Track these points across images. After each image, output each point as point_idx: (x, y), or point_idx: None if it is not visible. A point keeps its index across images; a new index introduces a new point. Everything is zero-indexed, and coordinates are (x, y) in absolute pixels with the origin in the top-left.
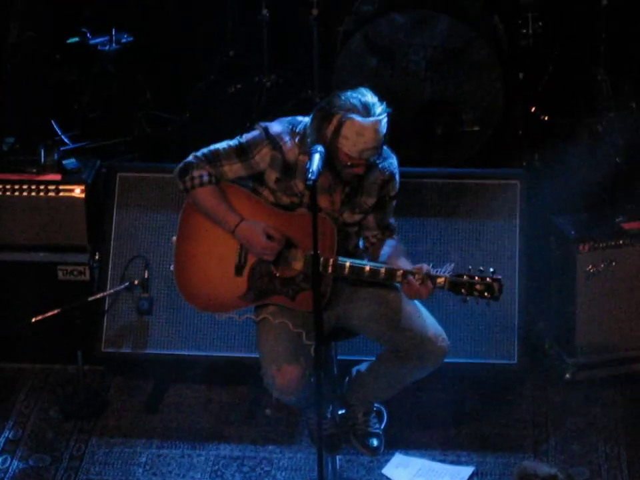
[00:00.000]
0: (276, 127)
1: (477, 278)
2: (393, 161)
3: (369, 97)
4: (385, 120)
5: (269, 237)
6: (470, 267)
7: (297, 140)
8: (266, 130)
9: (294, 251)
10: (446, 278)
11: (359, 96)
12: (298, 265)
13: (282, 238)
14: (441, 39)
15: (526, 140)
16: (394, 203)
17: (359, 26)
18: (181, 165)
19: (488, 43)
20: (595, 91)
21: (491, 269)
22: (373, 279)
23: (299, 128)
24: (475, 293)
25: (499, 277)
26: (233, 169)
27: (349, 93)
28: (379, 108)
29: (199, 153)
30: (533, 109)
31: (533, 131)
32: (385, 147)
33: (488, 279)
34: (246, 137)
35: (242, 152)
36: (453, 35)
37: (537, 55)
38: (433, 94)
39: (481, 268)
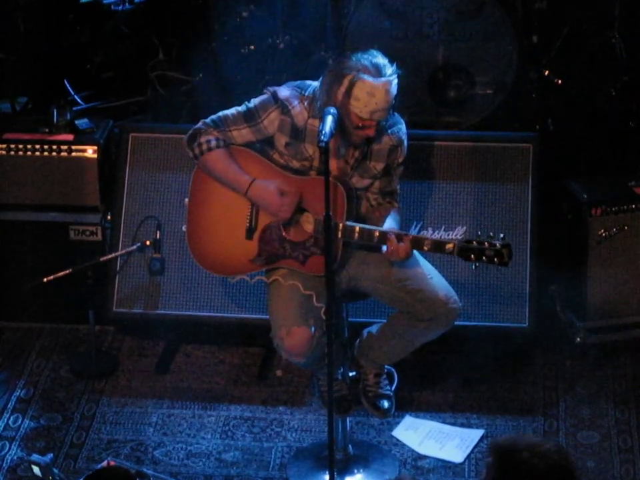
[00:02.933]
0: (284, 91)
1: (486, 244)
2: (401, 127)
3: (380, 58)
4: (396, 81)
5: (283, 193)
6: (479, 233)
7: (306, 104)
8: (274, 94)
9: (304, 215)
10: (455, 244)
11: (370, 57)
12: (308, 229)
13: (296, 193)
14: (454, 1)
15: (539, 103)
16: (401, 169)
17: None
18: (190, 132)
19: (501, 6)
20: (608, 54)
21: (501, 235)
22: (381, 242)
23: (308, 92)
24: (484, 259)
25: (508, 242)
26: (242, 134)
27: (359, 54)
28: (390, 69)
29: (207, 120)
30: (547, 73)
31: (546, 95)
32: (394, 113)
33: (497, 245)
34: (254, 101)
35: (250, 116)
36: None
37: (551, 18)
38: (446, 57)
39: (491, 234)
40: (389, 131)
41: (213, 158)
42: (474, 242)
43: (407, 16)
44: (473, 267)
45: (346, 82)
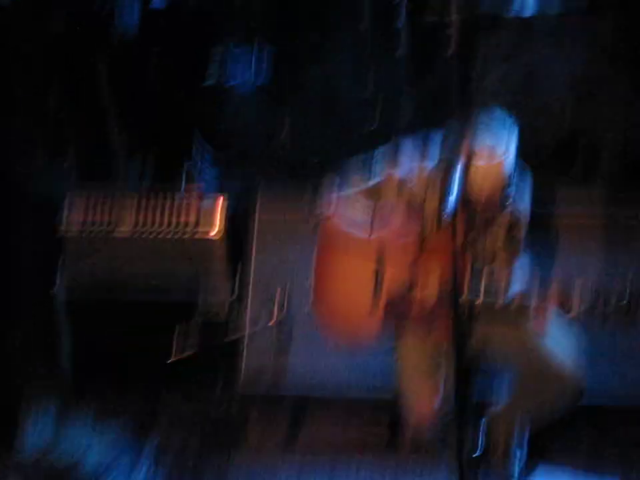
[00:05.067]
0: (404, 166)
1: (613, 300)
2: (525, 192)
3: (497, 131)
4: (510, 158)
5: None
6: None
7: (431, 174)
8: (392, 173)
9: (430, 284)
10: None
11: (486, 131)
12: (434, 298)
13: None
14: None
15: None
16: (525, 237)
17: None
18: (313, 197)
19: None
20: None
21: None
22: (505, 312)
23: (434, 161)
24: (614, 313)
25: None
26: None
27: (477, 128)
28: (502, 147)
29: (328, 181)
30: None
31: None
32: (519, 172)
33: (624, 300)
34: (375, 179)
35: (372, 188)
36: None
37: None
38: (574, 123)
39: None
40: (515, 198)
41: (336, 221)
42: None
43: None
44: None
45: (460, 168)
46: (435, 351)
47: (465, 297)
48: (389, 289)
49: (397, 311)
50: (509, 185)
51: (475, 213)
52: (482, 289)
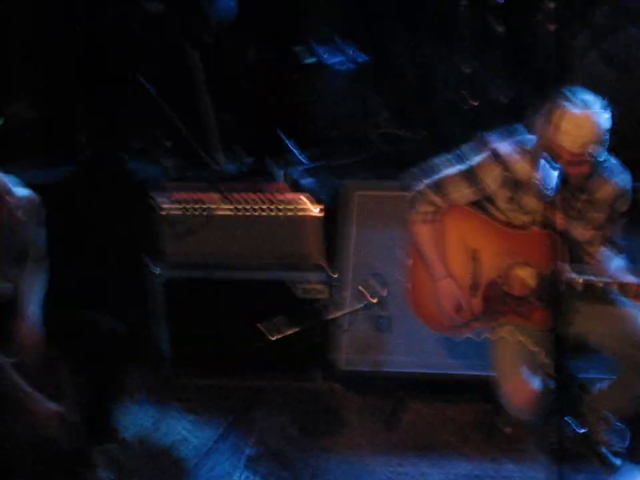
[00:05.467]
0: (505, 147)
1: None
2: (625, 176)
3: (587, 94)
4: (606, 115)
5: (458, 309)
6: None
7: (528, 157)
8: (495, 151)
9: (527, 269)
10: None
11: (576, 93)
12: (531, 284)
13: (468, 318)
14: None
15: None
16: (623, 219)
17: (595, 41)
18: (411, 193)
19: None
20: None
21: None
22: (605, 294)
23: (530, 145)
24: None
25: None
26: (463, 195)
27: (566, 92)
28: (597, 103)
29: (428, 181)
30: None
31: None
32: (617, 162)
33: None
34: (474, 160)
35: (470, 177)
36: None
37: None
38: None
39: None
40: (612, 180)
41: (422, 233)
42: None
43: (631, 67)
44: None
45: (554, 118)
46: (533, 336)
47: (565, 277)
48: (487, 275)
49: (496, 299)
50: (603, 140)
51: (569, 174)
52: (579, 277)
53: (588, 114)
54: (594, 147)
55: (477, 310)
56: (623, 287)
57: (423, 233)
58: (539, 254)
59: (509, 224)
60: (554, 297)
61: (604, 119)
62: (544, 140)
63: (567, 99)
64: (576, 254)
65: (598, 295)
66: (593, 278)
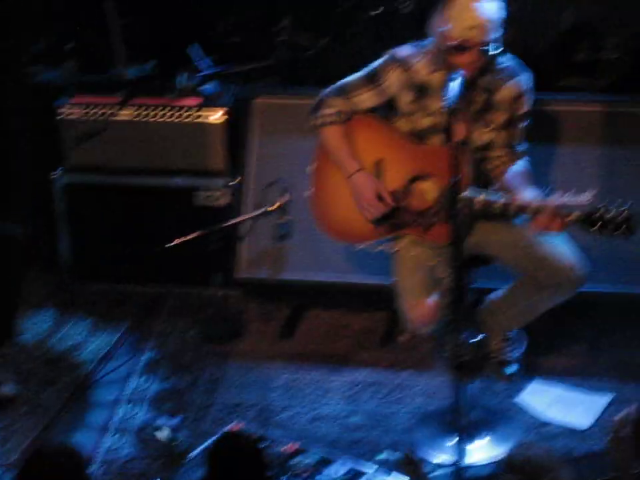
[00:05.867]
0: (405, 49)
1: (611, 214)
2: (525, 76)
3: None
4: (496, 3)
5: (380, 198)
6: (605, 201)
7: (427, 58)
8: (394, 53)
9: (429, 183)
10: (578, 214)
11: None
12: (432, 197)
13: (391, 205)
14: None
15: None
16: (525, 122)
17: None
18: (315, 100)
19: None
20: None
21: (629, 202)
22: (505, 212)
23: (429, 46)
24: (611, 227)
25: (635, 210)
26: (365, 98)
27: None
28: None
29: (330, 88)
30: None
31: None
32: (517, 62)
33: (624, 213)
34: (375, 63)
35: (372, 78)
36: None
37: None
38: (576, 18)
39: (619, 200)
40: (511, 80)
41: (330, 133)
42: (598, 212)
43: None
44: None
45: (442, 6)
46: (432, 248)
47: (464, 195)
48: (388, 187)
49: (394, 215)
50: (493, 28)
51: (454, 63)
52: (480, 196)
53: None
54: (481, 33)
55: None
56: (522, 209)
57: (330, 134)
58: (440, 169)
59: (413, 134)
60: (452, 212)
61: (493, 5)
62: (437, 35)
63: None
64: (480, 168)
65: (496, 212)
66: (492, 197)
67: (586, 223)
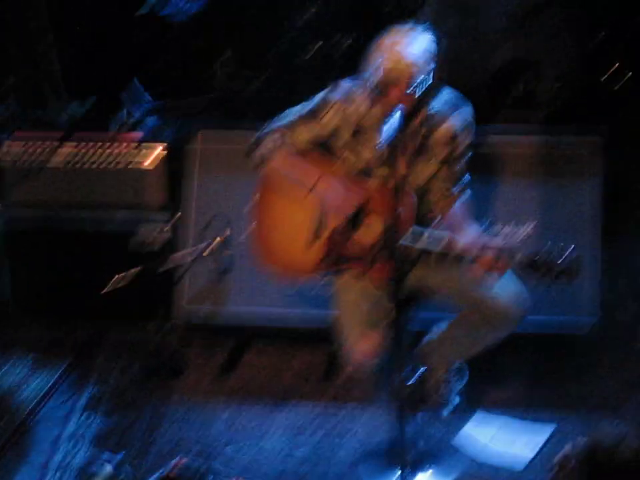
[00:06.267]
0: (345, 84)
1: (553, 259)
2: (466, 109)
3: (410, 25)
4: (427, 39)
5: (349, 190)
6: (549, 243)
7: (367, 94)
8: (334, 89)
9: (372, 220)
10: (520, 259)
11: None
12: (375, 234)
13: (361, 192)
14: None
15: (608, 97)
16: (466, 157)
17: None
18: (253, 139)
19: None
20: None
21: (571, 246)
22: (448, 252)
23: (368, 83)
24: (552, 274)
25: (578, 255)
26: (304, 132)
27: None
28: (418, 28)
29: (269, 124)
30: (616, 66)
31: (615, 88)
32: (457, 95)
33: (566, 259)
34: (316, 97)
35: (312, 112)
36: None
37: (620, 10)
38: (514, 50)
39: (560, 244)
40: (452, 114)
41: (278, 160)
42: (540, 256)
43: (475, 10)
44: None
45: (375, 45)
46: (372, 289)
47: (407, 235)
48: (332, 221)
49: (339, 245)
50: (424, 64)
51: (390, 102)
52: (422, 235)
53: (403, 32)
54: (410, 66)
55: (320, 254)
56: (464, 251)
57: (276, 163)
58: (381, 206)
59: (356, 169)
60: (394, 250)
61: (424, 39)
62: (370, 72)
63: (390, 29)
64: (422, 204)
65: (438, 250)
66: (435, 235)
67: (528, 268)
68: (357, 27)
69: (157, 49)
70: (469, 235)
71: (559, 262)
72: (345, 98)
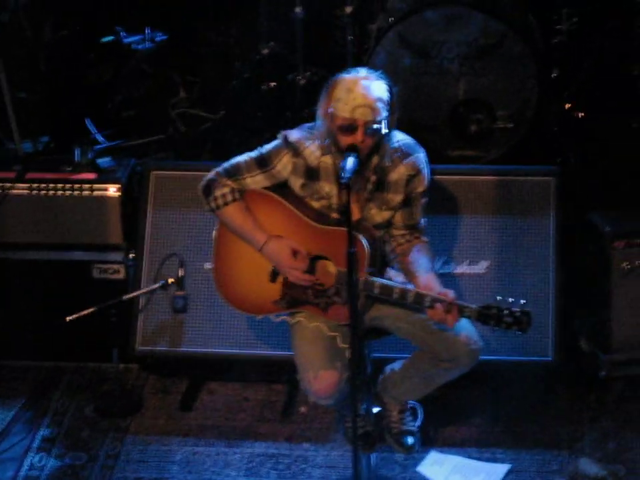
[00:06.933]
0: (295, 133)
1: (505, 311)
2: (419, 155)
3: (365, 69)
4: (381, 84)
5: (295, 254)
6: (498, 298)
7: (317, 143)
8: (285, 138)
9: (327, 263)
10: (473, 310)
11: (354, 68)
12: (330, 279)
13: (306, 256)
14: (474, 35)
15: (561, 137)
16: (423, 200)
17: (392, 24)
18: (203, 182)
19: (522, 40)
20: (630, 88)
21: (522, 301)
22: (401, 300)
23: (318, 130)
24: (503, 325)
25: (528, 310)
26: (256, 180)
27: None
28: (372, 74)
29: (219, 169)
30: (568, 106)
31: (567, 128)
32: (410, 141)
33: (517, 313)
34: (266, 147)
35: (262, 162)
36: (486, 31)
37: (572, 51)
38: (467, 91)
39: (510, 299)
40: (405, 160)
41: (229, 213)
42: (493, 309)
43: (427, 51)
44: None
45: (328, 88)
46: (327, 330)
47: (361, 282)
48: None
49: (294, 288)
50: (378, 108)
51: (342, 146)
52: (374, 284)
53: (359, 78)
54: (365, 112)
55: (276, 295)
56: (419, 300)
57: (229, 214)
58: (337, 250)
59: (308, 209)
60: (350, 295)
61: (376, 85)
62: (324, 116)
63: (343, 72)
64: (379, 248)
65: (392, 299)
66: (389, 283)
67: (480, 320)
68: (311, 68)
69: (110, 89)
70: (423, 281)
71: (510, 315)
72: (295, 147)
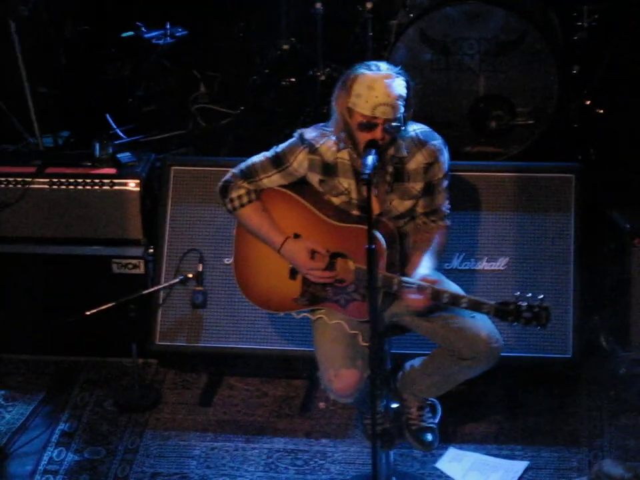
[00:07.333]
0: (311, 131)
1: (524, 307)
2: (435, 142)
3: (383, 63)
4: (401, 80)
5: (314, 255)
6: (518, 293)
7: (333, 139)
8: (301, 135)
9: (346, 262)
10: (492, 306)
11: (373, 63)
12: (349, 276)
13: (326, 255)
14: (494, 32)
15: (581, 133)
16: (444, 184)
17: (413, 20)
18: (220, 184)
19: (542, 36)
20: None
21: (540, 295)
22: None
23: (333, 126)
24: (522, 321)
25: (547, 305)
26: (272, 180)
27: (363, 63)
28: (391, 69)
29: (236, 170)
30: (588, 102)
31: (588, 125)
32: (427, 129)
33: (536, 308)
34: (282, 145)
35: (278, 161)
36: (507, 27)
37: (592, 48)
38: (487, 87)
39: (529, 294)
40: (422, 149)
41: (245, 214)
42: (511, 305)
43: (448, 47)
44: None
45: (347, 83)
46: (352, 325)
47: (381, 278)
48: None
49: (314, 285)
50: (398, 106)
51: (361, 142)
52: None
53: (379, 76)
54: (387, 111)
55: (296, 293)
56: (436, 293)
57: (247, 215)
58: (356, 248)
59: (329, 205)
60: (370, 291)
61: (397, 83)
62: (337, 107)
63: (362, 67)
64: (396, 248)
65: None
66: (407, 280)
67: (498, 316)
68: (330, 64)
69: (131, 84)
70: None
71: (527, 312)
72: (311, 144)
